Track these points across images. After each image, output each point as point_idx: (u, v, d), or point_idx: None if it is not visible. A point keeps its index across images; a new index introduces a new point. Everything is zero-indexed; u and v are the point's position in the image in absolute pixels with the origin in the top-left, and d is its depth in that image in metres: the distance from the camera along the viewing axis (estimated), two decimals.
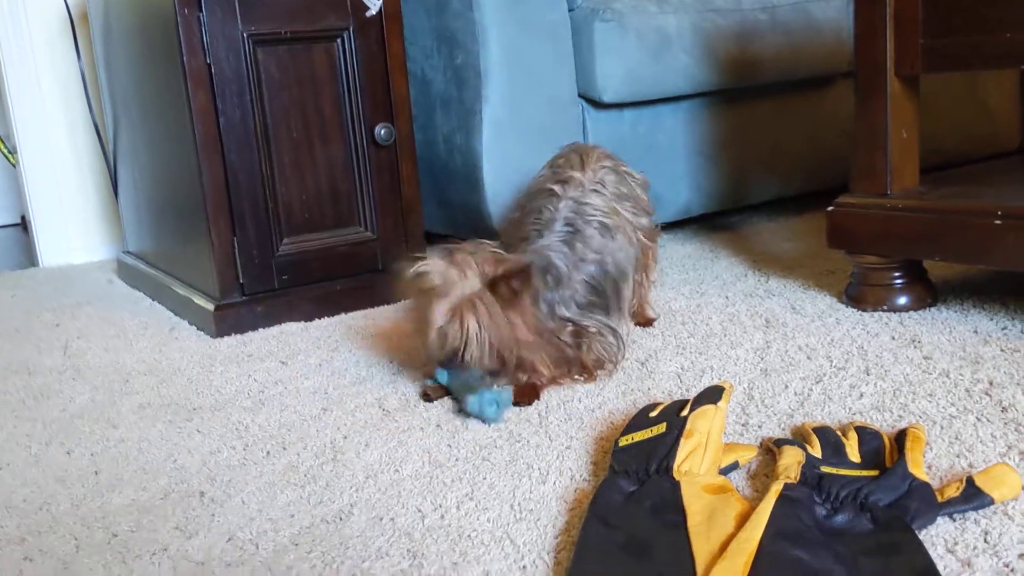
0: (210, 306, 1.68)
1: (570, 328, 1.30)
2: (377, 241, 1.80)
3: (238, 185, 1.66)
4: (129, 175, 2.10)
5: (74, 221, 2.50)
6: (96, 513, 1.02)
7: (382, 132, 1.75)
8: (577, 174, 1.41)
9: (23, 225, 2.74)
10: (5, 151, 2.57)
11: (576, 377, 1.30)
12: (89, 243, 2.52)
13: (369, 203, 1.78)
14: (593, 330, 1.30)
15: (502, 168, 1.87)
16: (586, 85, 1.91)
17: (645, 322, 1.53)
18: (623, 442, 1.03)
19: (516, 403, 1.22)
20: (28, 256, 2.58)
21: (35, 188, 2.45)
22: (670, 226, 2.22)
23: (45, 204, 2.47)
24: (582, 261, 1.33)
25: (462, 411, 1.22)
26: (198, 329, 1.73)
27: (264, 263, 1.70)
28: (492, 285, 1.19)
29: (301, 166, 1.71)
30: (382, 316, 1.73)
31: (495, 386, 1.22)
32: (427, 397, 1.28)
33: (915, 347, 1.33)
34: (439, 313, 1.19)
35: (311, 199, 1.73)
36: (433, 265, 1.21)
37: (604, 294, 1.35)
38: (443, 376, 1.26)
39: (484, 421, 1.19)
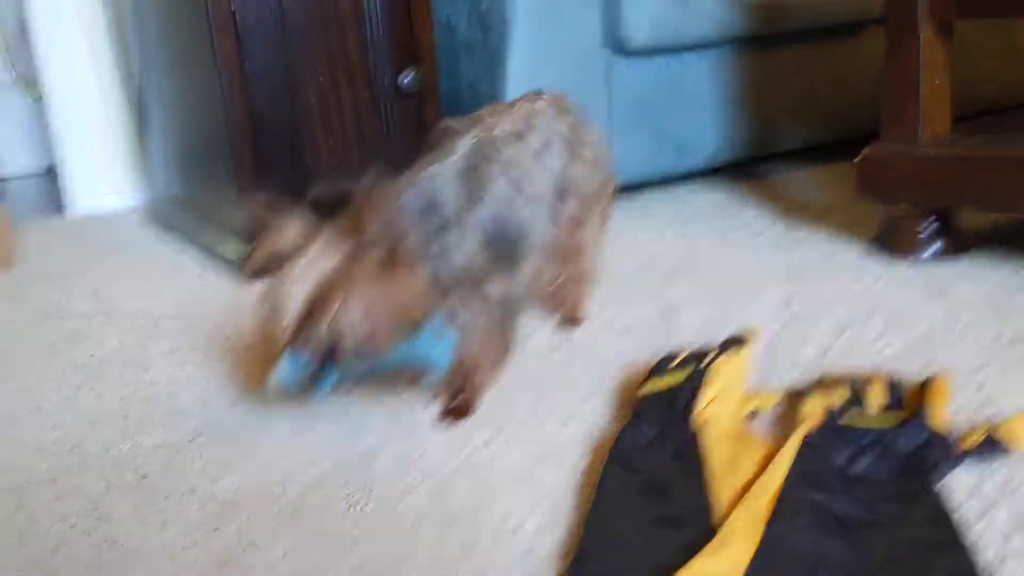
0: (237, 250, 1.69)
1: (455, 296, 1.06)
2: None
3: (264, 131, 1.66)
4: (157, 120, 2.10)
5: (103, 166, 2.52)
6: (126, 455, 1.05)
7: (407, 79, 1.74)
8: (492, 119, 1.16)
9: (51, 173, 2.76)
10: (32, 96, 2.58)
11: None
12: (118, 188, 2.54)
13: (392, 149, 1.78)
14: (476, 275, 1.06)
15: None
16: (612, 31, 1.88)
17: (571, 319, 1.32)
18: (645, 389, 1.03)
19: (445, 416, 1.06)
20: (57, 203, 2.60)
21: (63, 134, 2.46)
22: (697, 174, 2.20)
23: (74, 149, 2.48)
24: (480, 201, 1.06)
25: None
26: (225, 273, 1.74)
27: (291, 209, 1.70)
28: (357, 248, 0.95)
29: (327, 112, 1.71)
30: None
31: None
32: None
33: (942, 298, 1.32)
34: (300, 299, 0.95)
35: (337, 145, 1.73)
36: (287, 233, 0.99)
37: (501, 246, 1.08)
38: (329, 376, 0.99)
39: (438, 369, 1.02)
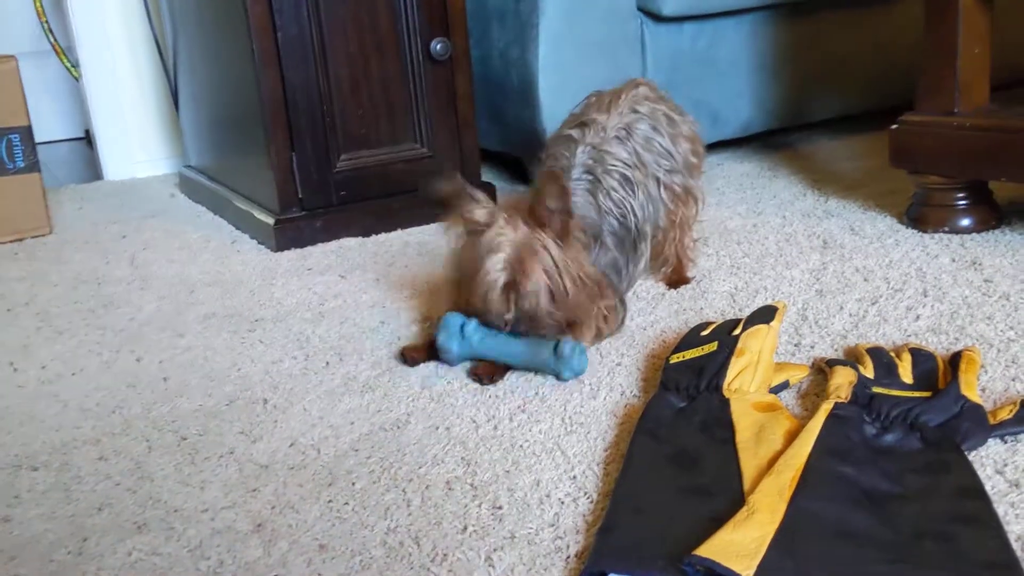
0: (270, 220, 1.71)
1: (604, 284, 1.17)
2: (433, 158, 1.81)
3: (296, 100, 1.67)
4: (189, 90, 2.12)
5: (137, 135, 2.54)
6: (166, 417, 1.07)
7: (438, 47, 1.74)
8: (601, 117, 1.25)
9: (87, 139, 2.79)
10: (68, 64, 2.61)
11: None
12: (152, 157, 2.56)
13: (425, 119, 1.78)
14: (610, 296, 1.18)
15: (558, 83, 1.85)
16: None
17: (678, 281, 1.37)
18: (674, 359, 1.04)
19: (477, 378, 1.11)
20: (93, 169, 2.64)
21: (98, 102, 2.49)
22: (729, 143, 2.18)
23: (108, 118, 2.51)
24: (606, 214, 1.20)
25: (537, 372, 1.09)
26: (259, 243, 1.77)
27: (322, 178, 1.72)
28: (537, 218, 1.08)
29: (357, 81, 1.71)
30: (438, 233, 1.74)
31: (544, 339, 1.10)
32: (408, 359, 1.15)
33: (975, 269, 1.31)
34: (496, 268, 1.06)
35: (368, 114, 1.74)
36: (477, 209, 1.10)
37: (624, 250, 1.23)
38: (457, 341, 1.11)
39: (576, 374, 1.07)
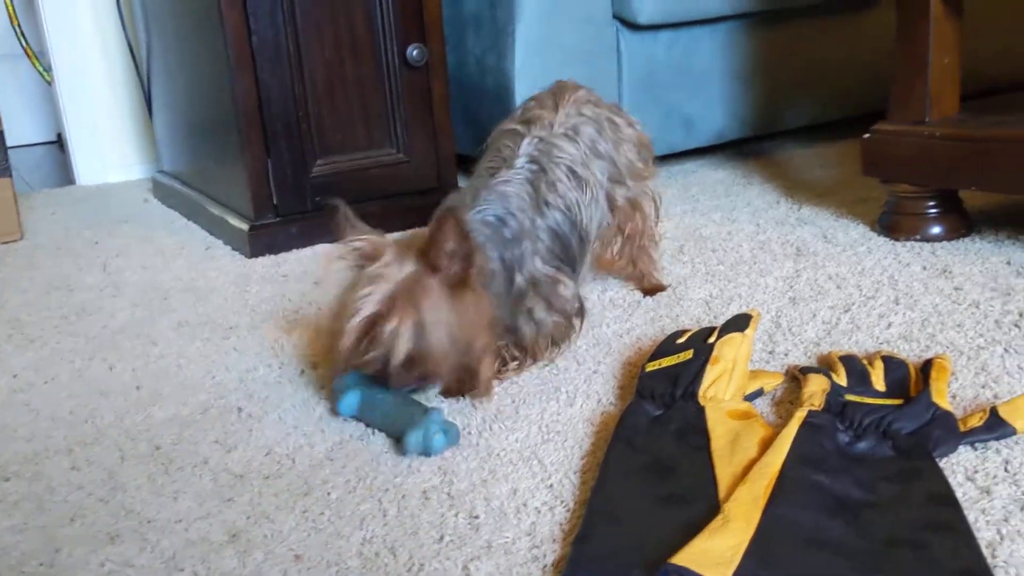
0: (244, 226, 1.70)
1: (527, 303, 1.09)
2: (409, 163, 1.80)
3: (271, 105, 1.66)
4: (163, 94, 2.10)
5: (109, 140, 2.52)
6: (139, 426, 1.06)
7: (414, 53, 1.74)
8: (547, 114, 1.19)
9: (60, 143, 2.77)
10: (40, 68, 2.58)
11: (524, 365, 1.11)
12: (125, 162, 2.55)
13: (401, 124, 1.78)
14: (549, 280, 1.10)
15: (534, 89, 1.82)
16: (621, 5, 1.88)
17: (653, 289, 1.35)
18: (650, 367, 1.04)
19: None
20: (65, 174, 2.61)
21: (70, 106, 2.47)
22: (704, 151, 2.20)
23: (81, 122, 2.49)
24: (547, 206, 1.11)
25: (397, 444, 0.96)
26: (233, 249, 1.76)
27: (297, 184, 1.71)
28: (431, 262, 0.95)
29: (333, 86, 1.71)
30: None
31: (424, 401, 1.01)
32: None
33: (946, 277, 1.32)
34: (361, 302, 0.93)
35: (343, 120, 1.74)
36: (360, 241, 0.98)
37: (570, 249, 1.14)
38: (350, 399, 1.00)
39: (427, 454, 0.94)
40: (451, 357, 0.96)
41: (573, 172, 1.15)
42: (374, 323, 0.93)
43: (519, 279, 1.08)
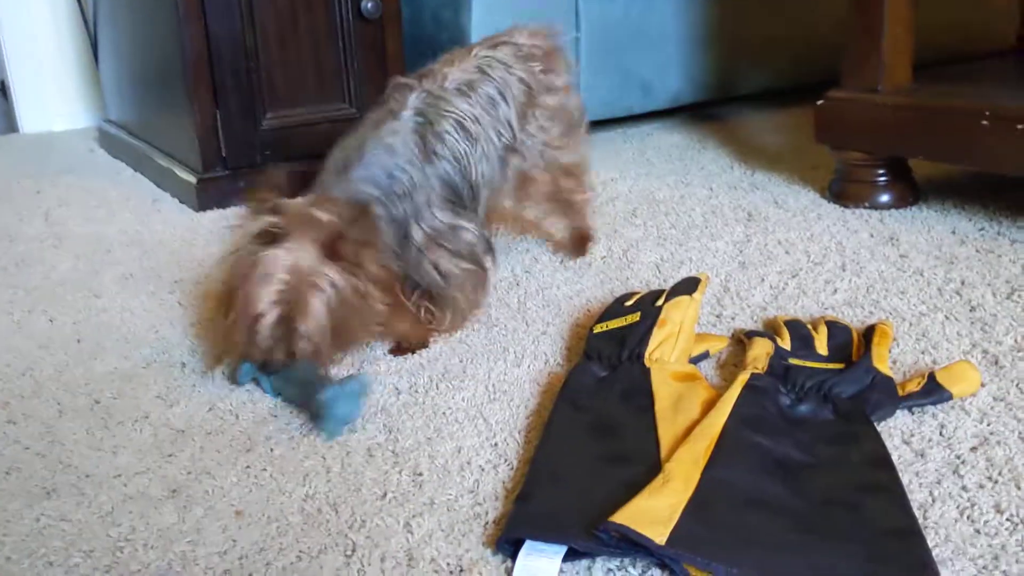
0: (192, 179, 1.67)
1: (426, 264, 1.06)
2: (360, 118, 1.77)
3: (220, 55, 1.62)
4: (110, 42, 2.04)
5: (54, 88, 2.45)
6: (79, 380, 1.04)
7: (369, 5, 1.71)
8: (444, 69, 1.15)
9: (2, 90, 2.69)
10: None
11: (446, 322, 1.10)
12: (70, 110, 2.48)
13: (353, 78, 1.75)
14: (448, 228, 1.08)
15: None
16: None
17: (582, 238, 1.35)
18: (598, 329, 1.05)
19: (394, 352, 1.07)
20: (8, 121, 2.54)
21: (14, 53, 2.39)
22: (660, 114, 2.20)
23: (25, 69, 2.41)
24: (436, 156, 1.07)
25: (312, 421, 0.93)
26: (180, 202, 1.72)
27: (246, 137, 1.68)
28: (331, 248, 0.93)
29: (284, 37, 1.67)
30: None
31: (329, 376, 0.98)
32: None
33: (892, 245, 1.34)
34: (267, 300, 0.91)
35: (294, 72, 1.70)
36: (269, 215, 0.95)
37: (462, 198, 1.11)
38: (247, 377, 0.99)
39: (343, 423, 0.92)
40: (337, 340, 0.95)
41: (461, 125, 1.10)
42: (286, 320, 0.91)
43: (416, 232, 1.05)
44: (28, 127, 2.43)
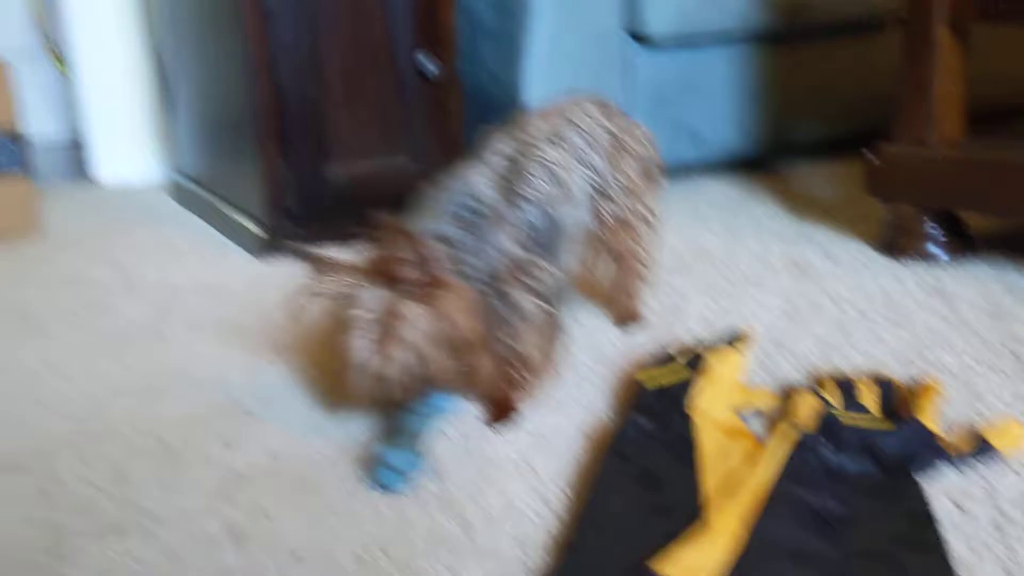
0: (259, 230, 1.73)
1: (508, 281, 1.05)
2: (422, 171, 1.83)
3: (288, 109, 1.70)
4: (184, 97, 2.14)
5: (129, 139, 2.56)
6: (147, 423, 1.10)
7: (430, 66, 1.77)
8: (533, 120, 1.18)
9: (79, 141, 2.81)
10: (62, 66, 2.62)
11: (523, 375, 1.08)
12: (142, 161, 2.58)
13: (415, 134, 1.81)
14: (527, 263, 1.06)
15: (544, 102, 1.87)
16: (633, 21, 1.90)
17: (629, 318, 1.32)
18: (645, 380, 1.07)
19: (493, 421, 1.06)
20: (84, 172, 2.65)
21: (91, 105, 2.51)
22: (711, 166, 2.22)
23: (101, 121, 2.53)
24: (521, 199, 1.08)
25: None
26: (247, 251, 1.79)
27: (312, 188, 1.75)
28: (388, 275, 0.95)
29: (351, 93, 1.74)
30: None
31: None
32: None
33: (942, 298, 1.34)
34: (359, 351, 0.93)
35: (359, 126, 1.77)
36: (331, 281, 0.98)
37: (545, 241, 1.10)
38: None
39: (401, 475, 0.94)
40: (447, 361, 0.97)
41: (548, 170, 1.12)
42: (371, 367, 0.94)
43: (496, 262, 1.05)
44: (104, 177, 2.54)
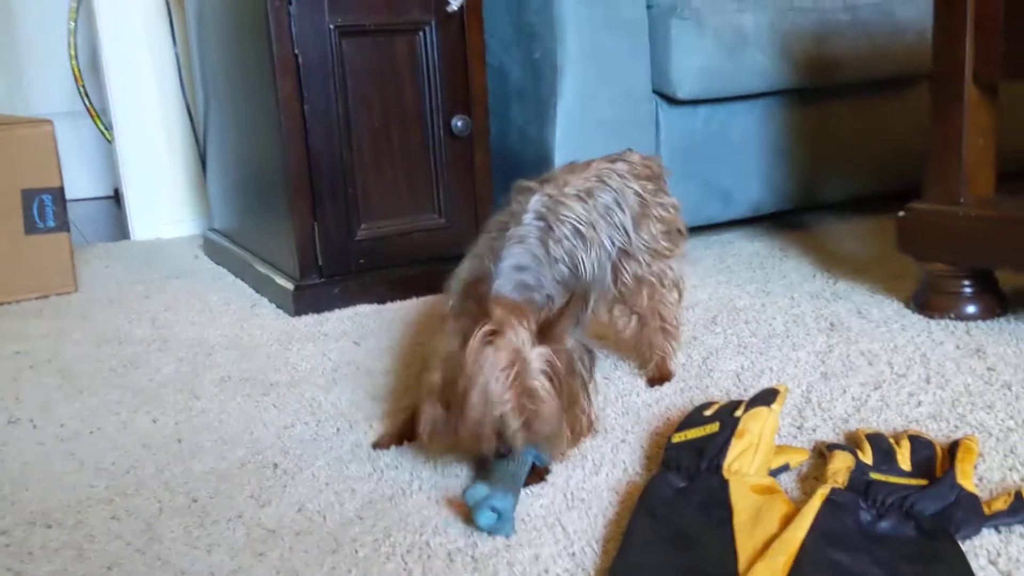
0: (290, 286, 1.75)
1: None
2: (450, 228, 1.85)
3: (320, 170, 1.73)
4: (217, 155, 2.19)
5: (164, 197, 2.61)
6: (179, 479, 1.10)
7: (459, 124, 1.80)
8: (564, 176, 1.23)
9: (116, 198, 2.87)
10: (102, 127, 2.70)
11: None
12: (178, 218, 2.63)
13: (444, 191, 1.84)
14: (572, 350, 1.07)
15: (574, 160, 1.90)
16: (661, 81, 1.93)
17: (660, 379, 1.31)
18: (676, 438, 1.06)
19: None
20: (120, 229, 2.71)
21: (128, 163, 2.57)
22: (741, 223, 2.22)
23: (137, 179, 2.58)
24: (554, 260, 1.13)
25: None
26: (277, 307, 1.81)
27: (342, 246, 1.77)
28: (543, 331, 0.99)
29: (380, 154, 1.77)
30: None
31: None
32: (376, 447, 1.14)
33: (979, 357, 1.32)
34: (500, 400, 0.94)
35: (388, 186, 1.79)
36: (496, 312, 0.98)
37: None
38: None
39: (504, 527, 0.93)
40: (559, 413, 1.00)
41: (577, 230, 1.16)
42: (521, 418, 0.96)
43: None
44: (139, 234, 2.59)
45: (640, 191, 1.27)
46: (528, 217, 1.14)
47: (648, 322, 1.30)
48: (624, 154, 1.31)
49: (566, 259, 1.14)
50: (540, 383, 0.97)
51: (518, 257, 1.10)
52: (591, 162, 1.28)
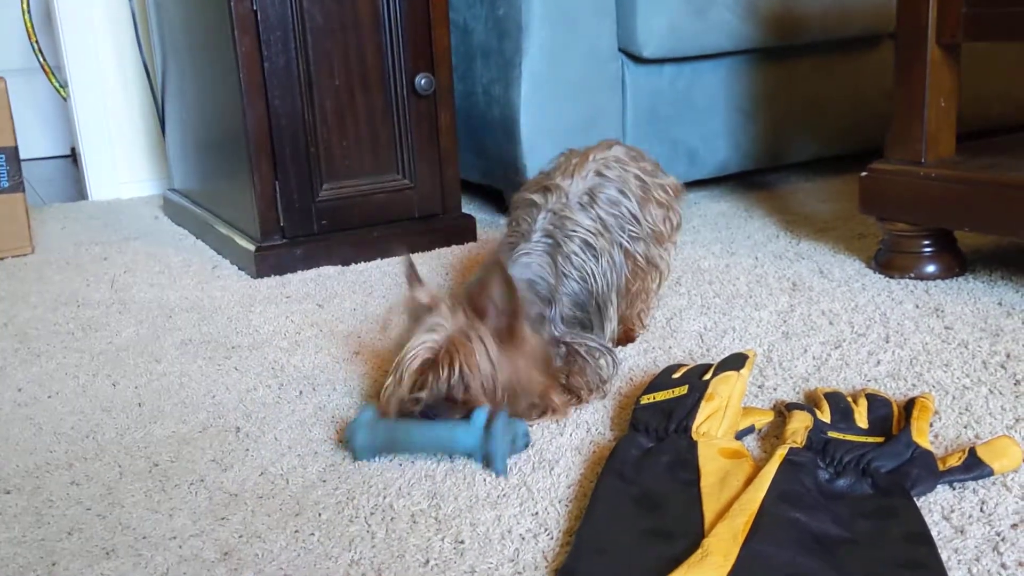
0: (251, 247, 1.73)
1: (562, 350, 1.15)
2: (414, 189, 1.84)
3: (281, 130, 1.70)
4: (176, 114, 2.14)
5: (122, 156, 2.57)
6: (139, 443, 1.09)
7: (422, 82, 1.78)
8: (564, 183, 1.24)
9: (73, 157, 2.81)
10: (56, 84, 2.63)
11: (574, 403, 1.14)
12: (136, 178, 2.59)
13: (407, 151, 1.82)
14: (584, 352, 1.15)
15: (539, 120, 1.88)
16: (627, 40, 1.91)
17: (625, 339, 1.33)
18: (645, 400, 1.06)
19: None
20: (78, 188, 2.66)
21: (85, 122, 2.51)
22: (706, 183, 2.23)
23: (95, 138, 2.53)
24: (565, 277, 1.17)
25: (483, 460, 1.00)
26: (239, 269, 1.79)
27: (304, 207, 1.74)
28: (477, 309, 1.04)
29: (342, 113, 1.75)
30: (417, 263, 1.77)
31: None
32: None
33: (937, 316, 1.34)
34: (421, 345, 1.02)
35: (351, 146, 1.77)
36: (421, 292, 1.07)
37: (587, 312, 1.20)
38: (364, 431, 1.01)
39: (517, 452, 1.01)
40: (494, 398, 1.02)
41: (587, 244, 1.20)
42: (426, 368, 1.01)
43: (547, 336, 1.14)
44: (96, 194, 2.54)
45: (640, 173, 1.29)
46: (536, 236, 1.19)
47: (634, 303, 1.32)
48: (611, 141, 1.34)
49: (576, 275, 1.18)
50: (482, 349, 1.01)
51: (521, 271, 1.14)
52: (588, 152, 1.29)
